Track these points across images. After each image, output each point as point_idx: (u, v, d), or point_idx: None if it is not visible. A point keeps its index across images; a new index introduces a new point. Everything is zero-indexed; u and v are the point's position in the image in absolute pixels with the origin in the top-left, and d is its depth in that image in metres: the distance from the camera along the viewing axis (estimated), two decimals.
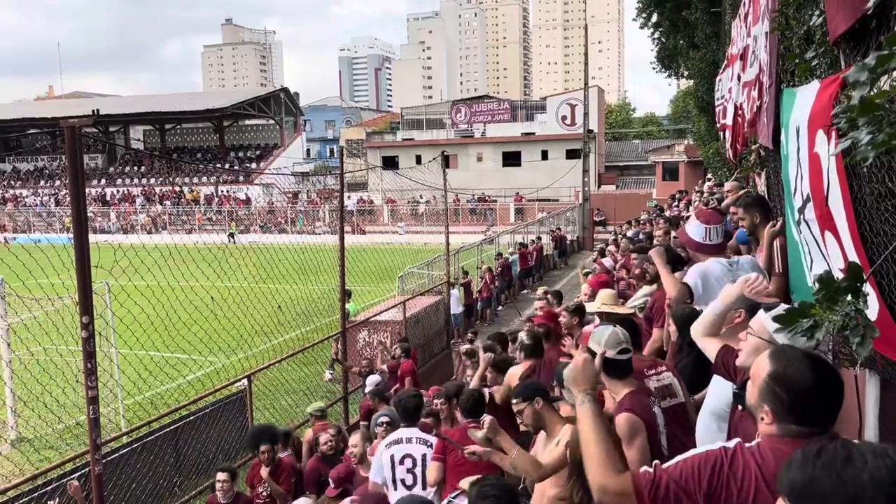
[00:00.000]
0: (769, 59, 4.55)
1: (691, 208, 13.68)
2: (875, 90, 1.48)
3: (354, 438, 6.17)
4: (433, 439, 4.99)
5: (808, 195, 2.73)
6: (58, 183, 56.20)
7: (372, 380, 9.55)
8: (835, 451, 1.15)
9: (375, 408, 8.55)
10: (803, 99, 2.77)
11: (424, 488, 4.84)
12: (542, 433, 4.09)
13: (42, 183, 58.93)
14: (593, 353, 3.54)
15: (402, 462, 4.97)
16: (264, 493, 6.87)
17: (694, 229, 4.48)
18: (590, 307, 6.02)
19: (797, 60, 3.24)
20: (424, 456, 4.91)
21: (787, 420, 1.91)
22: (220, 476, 6.63)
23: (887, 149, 1.49)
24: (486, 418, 3.93)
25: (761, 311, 2.66)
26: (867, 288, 2.00)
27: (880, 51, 1.46)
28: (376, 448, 5.69)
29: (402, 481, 4.91)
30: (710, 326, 3.14)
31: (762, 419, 1.95)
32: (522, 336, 6.18)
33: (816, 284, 1.79)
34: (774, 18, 4.02)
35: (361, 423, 8.50)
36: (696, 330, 3.21)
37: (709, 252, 4.33)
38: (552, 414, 4.00)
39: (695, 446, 2.88)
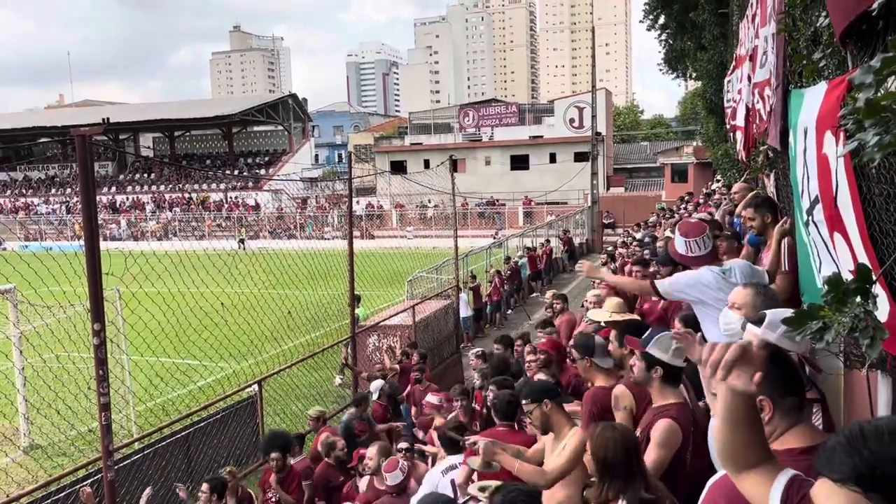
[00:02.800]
0: (776, 61, 4.54)
1: (699, 209, 13.62)
2: (881, 91, 1.48)
3: (371, 451, 6.21)
4: None
5: (817, 196, 2.72)
6: (69, 191, 56.60)
7: (375, 385, 9.56)
8: (875, 429, 1.16)
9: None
10: (811, 100, 2.77)
11: None
12: (550, 434, 4.09)
13: (53, 191, 59.34)
14: (655, 360, 3.54)
15: None
16: (273, 500, 6.89)
17: (678, 242, 4.47)
18: (597, 315, 5.99)
19: (804, 62, 3.23)
20: None
21: (784, 394, 1.95)
22: (204, 486, 6.46)
23: (895, 150, 1.49)
24: (480, 444, 3.92)
25: (748, 325, 2.70)
26: (877, 289, 2.00)
27: (886, 52, 1.46)
28: (391, 464, 5.72)
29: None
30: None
31: (764, 419, 1.96)
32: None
33: (825, 286, 1.79)
34: (781, 20, 4.01)
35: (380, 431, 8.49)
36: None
37: (696, 263, 4.29)
38: (560, 416, 3.99)
39: (707, 453, 2.90)
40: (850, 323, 1.69)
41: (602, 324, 5.71)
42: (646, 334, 3.68)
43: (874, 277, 1.85)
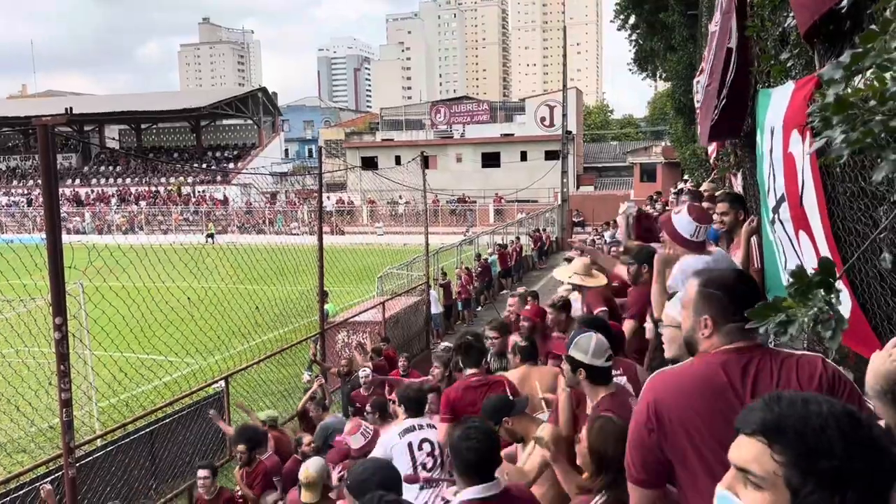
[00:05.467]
0: (713, 60, 4.59)
1: (668, 209, 13.75)
2: (849, 89, 1.49)
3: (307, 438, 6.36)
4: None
5: (783, 195, 2.76)
6: (31, 183, 55.32)
7: (365, 372, 9.38)
8: (791, 396, 1.26)
9: (320, 418, 8.49)
10: (778, 100, 2.80)
11: (443, 470, 4.82)
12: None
13: (15, 182, 57.95)
14: (577, 362, 3.51)
15: (420, 447, 4.94)
16: (239, 493, 6.88)
17: (684, 224, 4.28)
18: (560, 274, 6.02)
19: (772, 62, 3.28)
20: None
21: (727, 320, 2.05)
22: (202, 473, 6.66)
23: (860, 147, 1.50)
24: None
25: (667, 303, 2.75)
26: (840, 286, 2.02)
27: (855, 49, 1.48)
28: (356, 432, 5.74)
29: (423, 465, 4.88)
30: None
31: (703, 335, 2.10)
32: (517, 340, 5.74)
33: (790, 279, 1.81)
34: (749, 21, 4.07)
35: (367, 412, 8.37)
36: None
37: (691, 249, 4.19)
38: (524, 423, 4.00)
39: None
40: (814, 316, 1.70)
41: (564, 282, 5.82)
42: (569, 337, 3.70)
43: (838, 274, 1.88)
